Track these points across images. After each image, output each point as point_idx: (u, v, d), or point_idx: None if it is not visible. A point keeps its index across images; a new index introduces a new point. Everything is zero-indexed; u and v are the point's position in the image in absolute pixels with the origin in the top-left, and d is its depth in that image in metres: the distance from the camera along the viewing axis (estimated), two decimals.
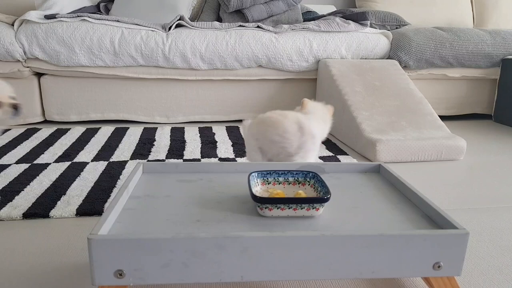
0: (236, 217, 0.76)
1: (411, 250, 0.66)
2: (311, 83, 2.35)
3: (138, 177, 0.94)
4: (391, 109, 1.85)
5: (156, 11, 2.49)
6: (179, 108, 2.25)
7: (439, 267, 0.68)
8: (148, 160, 1.57)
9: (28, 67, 2.07)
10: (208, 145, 1.79)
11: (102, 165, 1.49)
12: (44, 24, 2.03)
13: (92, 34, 2.04)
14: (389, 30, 2.50)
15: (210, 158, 1.62)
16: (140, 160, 1.56)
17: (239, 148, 1.75)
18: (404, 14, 2.75)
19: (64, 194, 1.23)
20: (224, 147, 1.76)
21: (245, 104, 2.30)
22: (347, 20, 2.33)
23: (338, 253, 0.65)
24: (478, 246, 0.99)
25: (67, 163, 1.50)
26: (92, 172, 1.41)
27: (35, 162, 1.51)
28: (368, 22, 2.35)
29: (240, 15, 2.52)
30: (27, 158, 1.56)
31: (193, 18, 2.66)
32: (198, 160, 1.59)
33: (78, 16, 2.08)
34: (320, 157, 1.66)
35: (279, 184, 0.87)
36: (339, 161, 1.62)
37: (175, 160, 1.57)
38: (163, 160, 1.57)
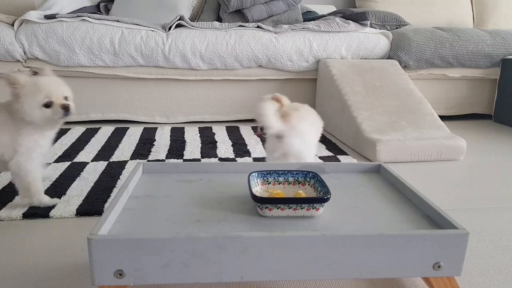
0: (236, 217, 0.76)
1: (411, 250, 0.66)
2: (311, 83, 2.35)
3: (138, 177, 0.94)
4: (391, 109, 1.85)
5: (156, 11, 2.49)
6: (179, 108, 2.25)
7: (439, 267, 0.68)
8: (148, 160, 1.57)
9: (28, 67, 2.07)
10: (208, 145, 1.79)
11: (102, 165, 1.49)
12: (44, 24, 2.02)
13: (92, 34, 2.04)
14: (389, 30, 2.50)
15: (210, 158, 1.62)
16: (140, 160, 1.56)
17: (239, 148, 1.75)
18: (404, 14, 2.75)
19: (64, 194, 1.23)
20: (224, 147, 1.76)
21: (245, 104, 2.30)
22: (347, 20, 2.33)
23: (338, 253, 0.65)
24: (478, 246, 0.99)
25: (67, 163, 1.50)
26: (92, 172, 1.41)
27: None
28: (368, 22, 2.35)
29: (240, 15, 2.52)
30: None
31: (193, 18, 2.66)
32: (198, 160, 1.59)
33: (78, 16, 2.08)
34: (320, 157, 1.66)
35: (279, 184, 0.87)
36: (339, 161, 1.62)
37: (175, 160, 1.57)
38: (163, 160, 1.57)
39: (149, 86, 2.20)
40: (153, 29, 2.11)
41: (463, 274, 0.86)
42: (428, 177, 1.49)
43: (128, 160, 1.56)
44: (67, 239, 0.99)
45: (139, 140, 1.85)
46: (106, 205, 1.15)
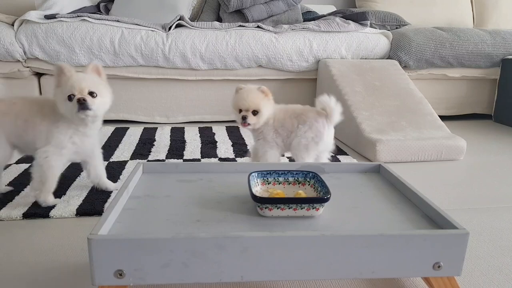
0: (236, 217, 0.76)
1: (411, 250, 0.66)
2: (311, 83, 2.35)
3: (138, 177, 0.94)
4: (391, 109, 1.85)
5: (156, 11, 2.49)
6: (179, 108, 2.25)
7: (439, 267, 0.68)
8: (148, 160, 1.57)
9: (28, 67, 2.07)
10: (208, 145, 1.79)
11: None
12: (44, 24, 2.03)
13: (92, 34, 2.04)
14: (389, 30, 2.50)
15: (210, 158, 1.62)
16: (140, 160, 1.56)
17: (239, 148, 1.75)
18: (404, 14, 2.75)
19: (64, 194, 1.23)
20: (224, 147, 1.76)
21: None
22: (347, 20, 2.33)
23: (338, 253, 0.65)
24: (478, 246, 0.99)
25: (67, 163, 1.50)
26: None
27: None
28: (368, 22, 2.35)
29: (240, 15, 2.52)
30: (27, 158, 1.55)
31: (193, 18, 2.66)
32: (198, 160, 1.59)
33: (78, 16, 2.08)
34: None
35: (279, 184, 0.87)
36: (339, 161, 1.62)
37: (175, 160, 1.57)
38: (163, 160, 1.57)
39: (149, 86, 2.20)
40: (153, 29, 2.11)
41: (463, 274, 0.86)
42: (428, 177, 1.49)
43: (128, 160, 1.56)
44: (67, 239, 0.99)
45: (139, 140, 1.85)
46: (106, 205, 1.15)
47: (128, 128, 2.08)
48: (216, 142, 1.85)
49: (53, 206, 1.13)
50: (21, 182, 1.31)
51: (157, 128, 2.10)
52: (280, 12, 2.56)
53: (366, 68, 2.14)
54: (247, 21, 2.46)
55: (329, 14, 2.67)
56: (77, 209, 1.12)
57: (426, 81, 2.40)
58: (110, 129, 2.04)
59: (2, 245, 0.95)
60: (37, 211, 1.10)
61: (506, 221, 1.14)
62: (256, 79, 2.26)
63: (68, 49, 2.02)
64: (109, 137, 1.89)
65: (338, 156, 1.68)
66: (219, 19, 2.58)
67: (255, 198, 0.75)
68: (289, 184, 0.87)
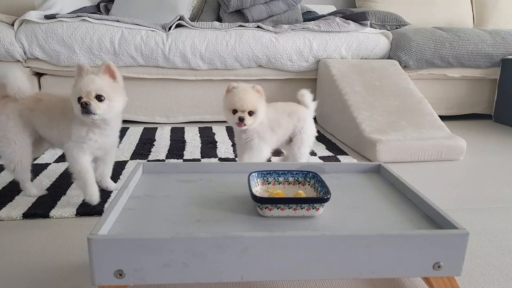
0: (236, 217, 0.76)
1: (411, 250, 0.66)
2: (311, 83, 2.35)
3: (138, 177, 0.94)
4: (391, 109, 1.85)
5: (156, 11, 2.49)
6: (179, 108, 2.25)
7: (439, 267, 0.68)
8: (148, 160, 1.57)
9: (28, 67, 2.07)
10: (208, 145, 1.79)
11: None
12: (44, 24, 2.02)
13: (92, 34, 2.04)
14: (389, 30, 2.50)
15: (210, 158, 1.62)
16: (140, 160, 1.56)
17: None
18: (404, 14, 2.75)
19: (64, 194, 1.23)
20: (224, 147, 1.76)
21: None
22: (347, 20, 2.33)
23: (338, 253, 0.65)
24: (478, 246, 0.99)
25: (67, 163, 1.50)
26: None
27: (35, 162, 1.51)
28: (368, 22, 2.35)
29: (240, 15, 2.52)
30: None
31: (193, 18, 2.66)
32: (198, 160, 1.59)
33: (78, 16, 2.08)
34: (320, 157, 1.66)
35: (279, 184, 0.87)
36: (339, 161, 1.62)
37: (175, 160, 1.57)
38: (163, 160, 1.57)
39: (149, 86, 2.20)
40: (153, 29, 2.11)
41: (463, 274, 0.86)
42: (428, 177, 1.49)
43: (128, 160, 1.56)
44: (67, 239, 0.99)
45: (139, 140, 1.85)
46: (106, 205, 1.15)
47: (128, 128, 2.08)
48: (216, 142, 1.85)
49: (53, 206, 1.13)
50: None
51: (157, 128, 2.10)
52: (280, 12, 2.56)
53: (366, 68, 2.14)
54: (247, 21, 2.47)
55: (329, 14, 2.67)
56: (77, 209, 1.12)
57: (426, 81, 2.40)
58: None
59: (2, 245, 0.95)
60: (37, 211, 1.10)
61: (506, 221, 1.14)
62: (256, 79, 2.26)
63: (68, 49, 2.02)
64: None
65: (338, 156, 1.68)
66: (219, 19, 2.58)
67: (255, 198, 0.75)
68: (289, 184, 0.87)
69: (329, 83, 2.08)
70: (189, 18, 2.55)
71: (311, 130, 1.37)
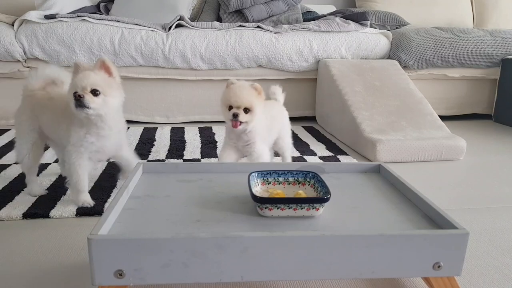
0: (236, 217, 0.76)
1: (411, 250, 0.66)
2: (311, 83, 2.35)
3: (138, 177, 0.94)
4: (391, 109, 1.85)
5: (156, 11, 2.49)
6: (179, 108, 2.25)
7: (439, 267, 0.68)
8: (148, 160, 1.57)
9: (28, 67, 2.07)
10: (208, 145, 1.79)
11: (102, 165, 1.49)
12: (44, 24, 2.02)
13: (92, 34, 2.04)
14: (389, 30, 2.50)
15: (210, 158, 1.62)
16: (140, 160, 1.56)
17: None
18: (404, 14, 2.75)
19: (64, 194, 1.23)
20: None
21: None
22: (347, 20, 2.33)
23: (338, 253, 0.65)
24: (478, 246, 0.99)
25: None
26: (92, 172, 1.41)
27: None
28: (368, 22, 2.35)
29: (240, 15, 2.52)
30: None
31: (193, 18, 2.66)
32: (198, 160, 1.59)
33: (78, 16, 2.08)
34: (320, 157, 1.66)
35: (279, 184, 0.87)
36: (339, 161, 1.62)
37: (175, 160, 1.57)
38: (163, 160, 1.57)
39: (149, 86, 2.20)
40: (153, 29, 2.11)
41: (463, 274, 0.86)
42: (428, 177, 1.49)
43: None
44: (67, 239, 0.99)
45: (139, 140, 1.85)
46: (106, 205, 1.15)
47: (128, 128, 2.08)
48: (216, 142, 1.85)
49: (53, 206, 1.13)
50: (21, 182, 1.31)
51: (157, 128, 2.10)
52: (280, 12, 2.56)
53: (366, 68, 2.14)
54: (247, 21, 2.47)
55: (329, 14, 2.67)
56: (77, 209, 1.12)
57: (426, 81, 2.40)
58: None
59: (2, 245, 0.95)
60: (37, 211, 1.10)
61: (506, 221, 1.14)
62: (256, 79, 2.26)
63: (68, 49, 2.02)
64: None
65: (338, 156, 1.68)
66: (219, 19, 2.58)
67: (255, 198, 0.75)
68: (289, 184, 0.87)
69: (329, 83, 2.08)
70: (189, 18, 2.55)
71: (289, 123, 1.45)
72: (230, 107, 1.17)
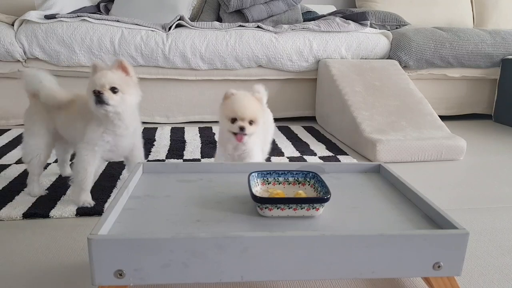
0: (236, 217, 0.76)
1: (411, 250, 0.66)
2: (311, 83, 2.35)
3: (138, 177, 0.94)
4: (391, 109, 1.85)
5: (156, 11, 2.49)
6: (179, 108, 2.25)
7: (439, 267, 0.68)
8: (148, 160, 1.57)
9: (28, 67, 2.07)
10: (208, 145, 1.79)
11: (102, 165, 1.49)
12: (44, 24, 2.02)
13: (92, 34, 2.03)
14: (389, 30, 2.50)
15: (210, 158, 1.62)
16: (140, 160, 1.56)
17: None
18: (404, 14, 2.75)
19: (64, 194, 1.23)
20: None
21: None
22: (347, 20, 2.33)
23: (338, 253, 0.65)
24: (478, 246, 0.99)
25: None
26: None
27: None
28: (368, 22, 2.35)
29: (240, 15, 2.52)
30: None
31: (193, 18, 2.66)
32: (198, 160, 1.59)
33: (78, 16, 2.08)
34: (320, 157, 1.66)
35: (279, 184, 0.87)
36: (339, 161, 1.62)
37: (175, 160, 1.57)
38: (163, 160, 1.57)
39: (149, 86, 2.20)
40: (153, 29, 2.11)
41: (463, 274, 0.86)
42: (428, 177, 1.49)
43: None
44: (67, 239, 0.99)
45: None
46: (106, 205, 1.15)
47: None
48: (216, 142, 1.85)
49: (53, 206, 1.13)
50: (21, 182, 1.31)
51: (157, 128, 2.10)
52: (280, 12, 2.56)
53: (366, 68, 2.14)
54: (247, 21, 2.47)
55: (329, 14, 2.67)
56: (77, 209, 1.12)
57: (426, 81, 2.40)
58: None
59: (2, 245, 0.95)
60: (37, 211, 1.10)
61: (506, 221, 1.14)
62: (256, 79, 2.26)
63: (68, 49, 2.02)
64: None
65: (338, 156, 1.68)
66: (219, 19, 2.58)
67: (255, 198, 0.75)
68: (289, 184, 0.87)
69: (329, 83, 2.08)
70: (189, 18, 2.55)
71: (272, 121, 1.43)
72: (233, 120, 1.11)
